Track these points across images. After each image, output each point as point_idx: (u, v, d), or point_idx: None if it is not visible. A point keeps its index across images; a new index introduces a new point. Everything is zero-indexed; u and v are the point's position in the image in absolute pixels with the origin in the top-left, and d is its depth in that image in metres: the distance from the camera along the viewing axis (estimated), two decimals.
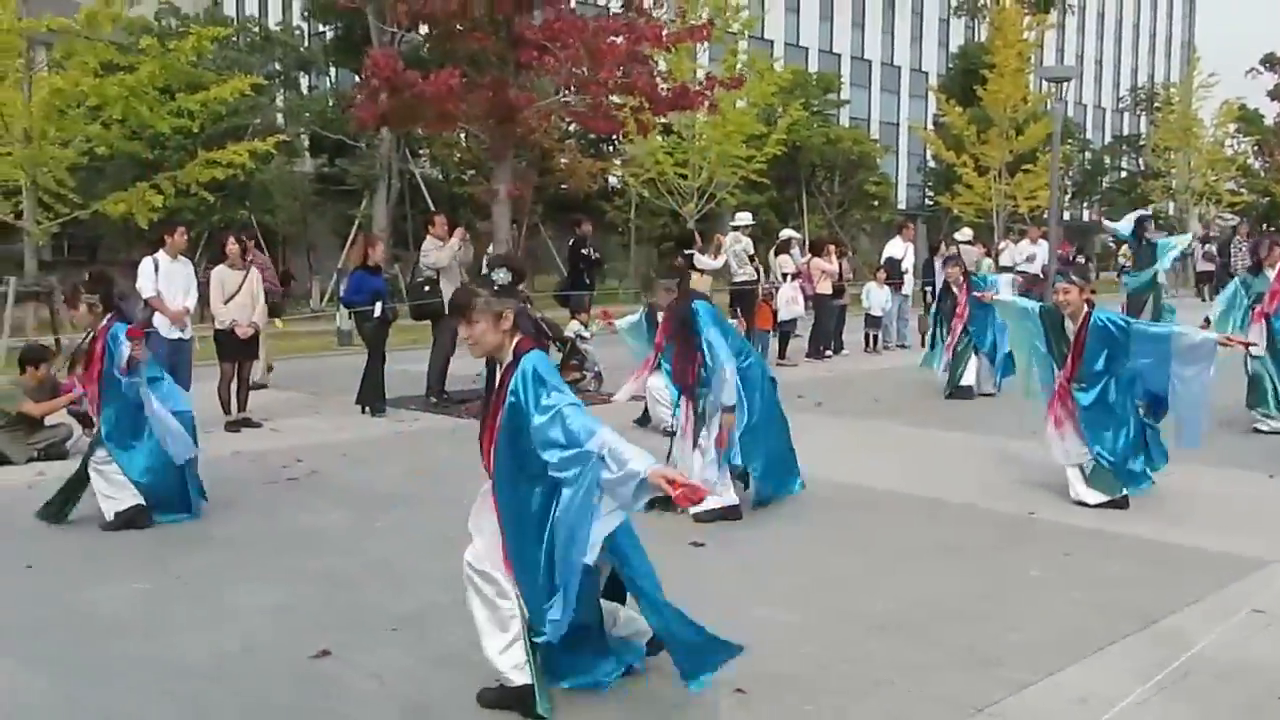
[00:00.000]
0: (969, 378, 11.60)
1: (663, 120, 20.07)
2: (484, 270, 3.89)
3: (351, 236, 29.72)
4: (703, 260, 13.89)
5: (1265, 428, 9.28)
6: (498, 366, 3.85)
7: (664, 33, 11.81)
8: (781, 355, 15.26)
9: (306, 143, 35.23)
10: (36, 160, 15.80)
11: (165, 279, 9.69)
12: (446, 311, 11.32)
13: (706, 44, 12.37)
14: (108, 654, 4.42)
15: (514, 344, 3.78)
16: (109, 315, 6.59)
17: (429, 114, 10.99)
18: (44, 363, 8.82)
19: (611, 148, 37.26)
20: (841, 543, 5.95)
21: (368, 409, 10.74)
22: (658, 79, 12.22)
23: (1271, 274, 9.27)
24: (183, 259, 10.01)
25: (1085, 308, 6.65)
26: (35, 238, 16.59)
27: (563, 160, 33.68)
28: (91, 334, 6.62)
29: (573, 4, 11.68)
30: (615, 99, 12.95)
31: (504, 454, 3.76)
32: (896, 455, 8.34)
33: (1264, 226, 43.45)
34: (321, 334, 20.32)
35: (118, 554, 5.90)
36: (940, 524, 6.33)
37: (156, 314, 9.62)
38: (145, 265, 9.78)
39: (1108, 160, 53.19)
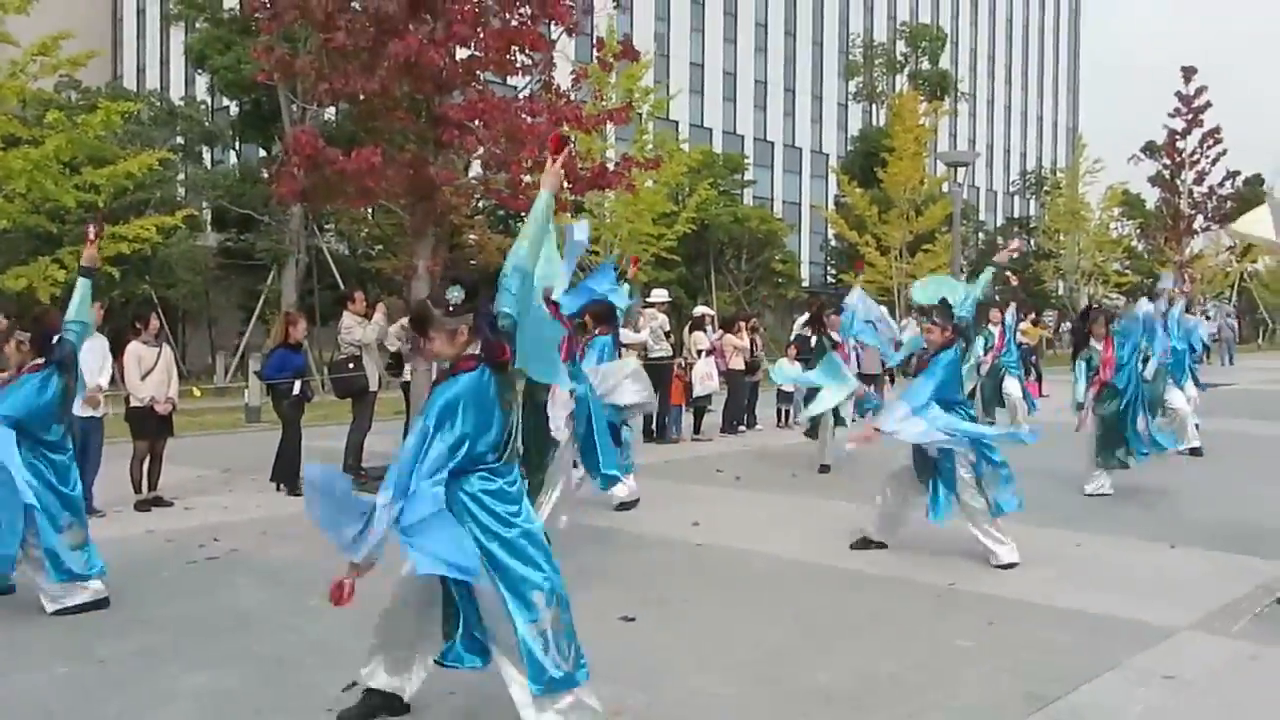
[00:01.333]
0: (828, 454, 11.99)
1: (578, 199, 20.36)
2: (438, 288, 4.12)
3: (258, 312, 29.39)
4: (626, 334, 14.05)
5: (1090, 488, 9.96)
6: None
7: (582, 114, 12.06)
8: (696, 430, 15.44)
9: (209, 217, 34.85)
10: None
11: (82, 356, 9.48)
12: (370, 388, 11.33)
13: (616, 125, 12.63)
14: None
15: (460, 360, 4.02)
16: (38, 359, 6.46)
17: (349, 190, 11.03)
18: None
19: (520, 224, 37.57)
20: (775, 616, 6.07)
21: (283, 486, 10.61)
22: (575, 159, 12.45)
23: (1099, 344, 10.02)
24: (98, 335, 9.82)
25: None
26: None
27: (471, 236, 33.86)
28: (10, 374, 6.47)
29: (488, 87, 11.88)
30: (533, 178, 13.13)
31: None
32: (816, 528, 8.51)
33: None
34: (228, 410, 19.95)
35: (31, 637, 5.74)
36: (868, 595, 6.49)
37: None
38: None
39: (1000, 240, 55.27)
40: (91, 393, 9.44)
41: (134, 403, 9.92)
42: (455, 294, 3.96)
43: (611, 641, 5.46)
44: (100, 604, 6.27)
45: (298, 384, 10.64)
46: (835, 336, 12.03)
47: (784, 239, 40.79)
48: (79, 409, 9.29)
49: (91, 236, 6.78)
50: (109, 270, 18.20)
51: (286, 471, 10.64)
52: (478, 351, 4.03)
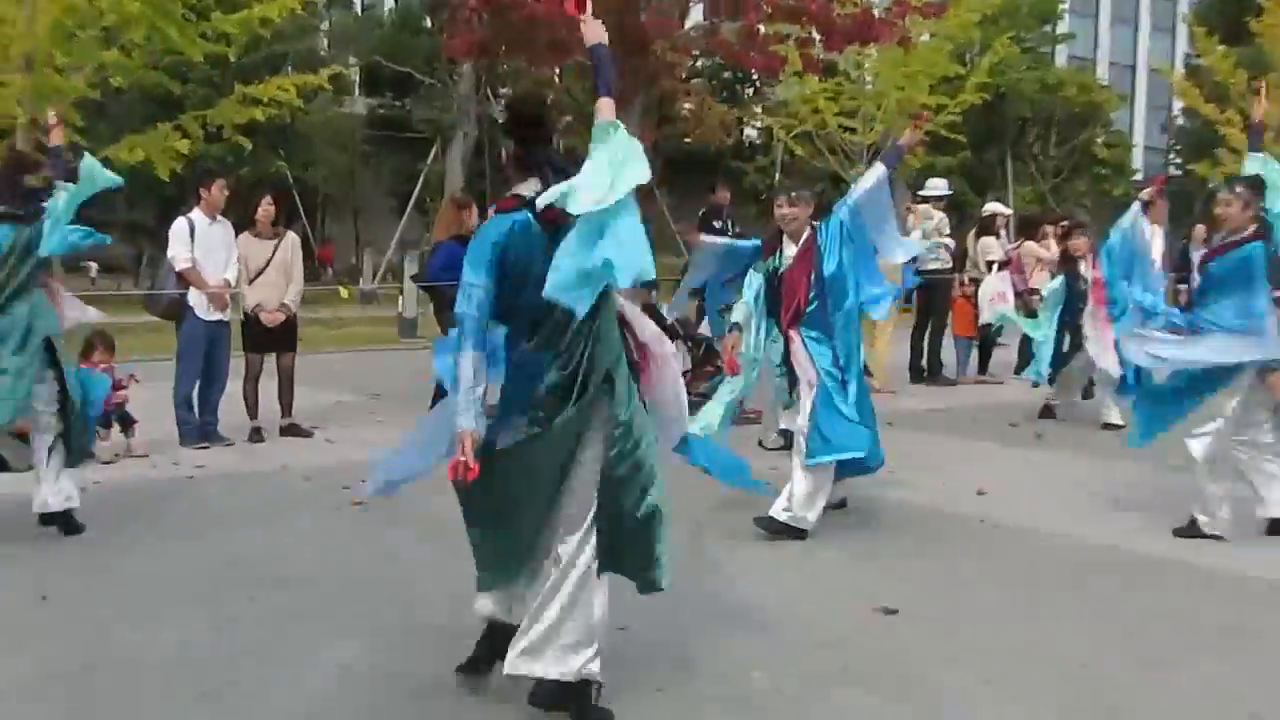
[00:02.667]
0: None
1: (830, 57, 20.05)
2: None
3: (415, 198, 30.29)
4: None
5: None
6: None
7: None
8: (983, 370, 15.12)
9: (358, 77, 35.99)
10: (39, 92, 16.45)
11: (203, 245, 10.02)
12: None
13: None
14: (166, 713, 4.61)
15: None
16: None
17: (539, 42, 11.18)
18: None
19: (752, 90, 37.41)
20: (1092, 624, 5.89)
21: None
22: (833, 3, 12.24)
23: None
24: (222, 220, 10.34)
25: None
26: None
27: (687, 105, 33.94)
28: None
29: None
30: (774, 28, 12.99)
31: None
32: (1147, 504, 8.21)
33: None
34: (378, 322, 20.81)
35: (153, 587, 6.14)
36: (1221, 598, 6.23)
37: (192, 290, 9.96)
38: (178, 227, 10.10)
39: None
40: (217, 289, 9.97)
41: (244, 308, 10.43)
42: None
43: (867, 640, 5.43)
44: None
45: None
46: (1087, 273, 11.45)
47: (1111, 114, 39.16)
48: (203, 310, 9.89)
49: (54, 120, 7.23)
50: (238, 141, 19.12)
51: None
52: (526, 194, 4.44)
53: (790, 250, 7.57)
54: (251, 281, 10.38)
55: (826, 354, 7.33)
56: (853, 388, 7.34)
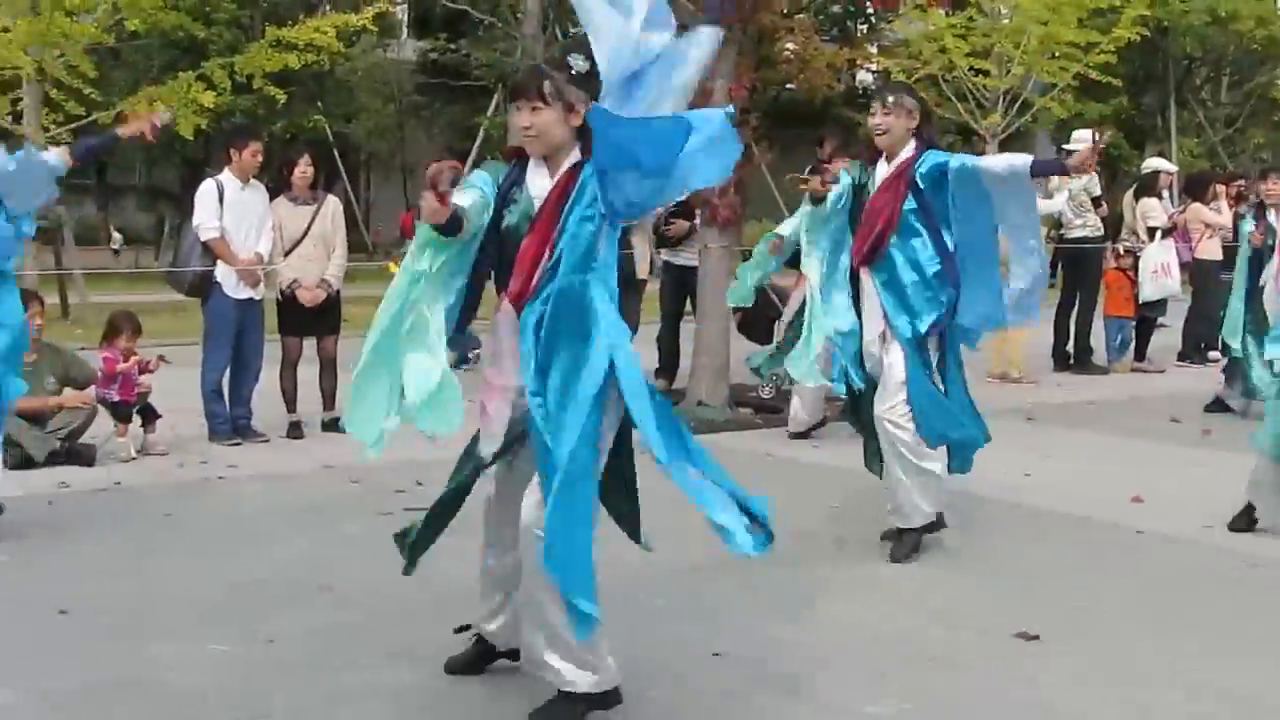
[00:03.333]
0: None
1: None
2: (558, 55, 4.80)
3: (473, 156, 30.43)
4: None
5: None
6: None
7: None
8: (1140, 355, 15.01)
9: (407, 17, 36.22)
10: (45, 38, 16.81)
11: (233, 213, 10.14)
12: (639, 274, 11.72)
13: None
14: None
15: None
16: None
17: None
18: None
19: (866, 27, 37.20)
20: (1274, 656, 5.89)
21: None
22: None
23: None
24: (255, 184, 10.50)
25: None
26: (39, 148, 17.62)
27: (789, 45, 33.78)
28: None
29: None
30: None
31: None
32: None
33: None
34: None
35: (183, 600, 6.32)
36: None
37: (220, 264, 10.13)
38: (205, 191, 10.22)
39: None
40: (248, 264, 10.13)
41: (279, 285, 10.55)
42: (579, 61, 4.62)
43: (1003, 670, 5.47)
44: None
45: None
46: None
47: None
48: (233, 288, 10.06)
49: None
50: (272, 92, 19.39)
51: None
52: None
53: (882, 171, 7.11)
54: (287, 254, 10.43)
55: (901, 314, 6.97)
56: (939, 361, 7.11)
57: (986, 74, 26.33)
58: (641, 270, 12.05)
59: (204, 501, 8.29)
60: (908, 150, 7.01)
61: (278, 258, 10.43)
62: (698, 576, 6.53)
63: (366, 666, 5.48)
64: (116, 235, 32.91)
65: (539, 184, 4.74)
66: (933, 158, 6.92)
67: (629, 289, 11.69)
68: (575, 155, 4.71)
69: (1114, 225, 15.42)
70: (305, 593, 6.49)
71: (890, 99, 7.04)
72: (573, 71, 4.64)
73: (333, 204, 10.78)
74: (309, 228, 10.48)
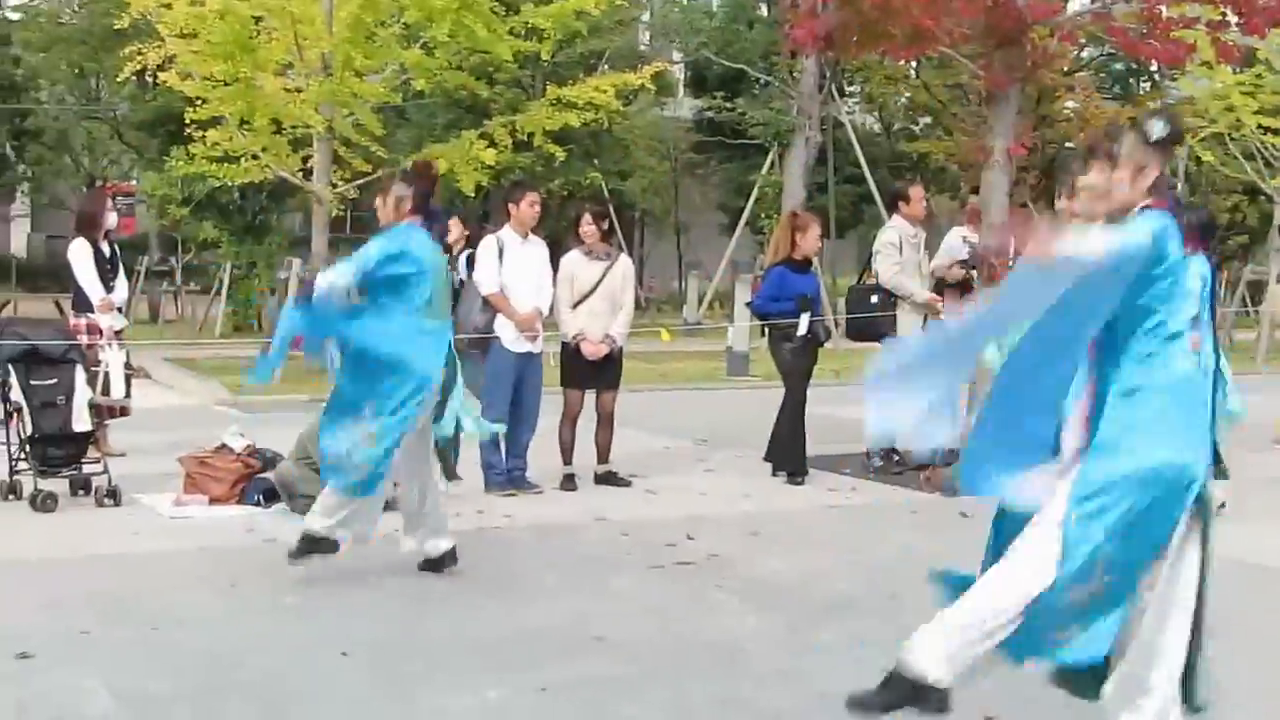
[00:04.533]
0: None
1: (1255, 41, 19.29)
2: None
3: (747, 215, 30.50)
4: None
5: None
6: None
7: None
8: None
9: (683, 76, 36.67)
10: (336, 98, 17.47)
11: (513, 267, 10.35)
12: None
13: None
14: None
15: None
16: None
17: (895, 32, 11.20)
18: None
19: (1149, 84, 36.37)
20: None
21: (783, 472, 11.07)
22: None
23: None
24: (535, 239, 10.71)
25: None
26: (330, 205, 18.35)
27: (1069, 103, 33.25)
28: None
29: None
30: (1180, 12, 12.62)
31: None
32: None
33: None
34: (705, 355, 21.14)
35: (458, 647, 6.44)
36: None
37: (499, 317, 10.36)
38: (485, 247, 10.46)
39: None
40: (527, 318, 10.33)
41: (561, 336, 10.68)
42: (1158, 126, 4.64)
43: None
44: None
45: (805, 319, 10.98)
46: None
47: None
48: (513, 342, 10.26)
49: None
50: (551, 150, 19.80)
51: (787, 452, 11.09)
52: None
53: None
54: (575, 306, 10.55)
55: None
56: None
57: (1276, 132, 25.49)
58: None
59: (480, 551, 8.43)
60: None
61: (563, 310, 10.56)
62: None
63: (636, 719, 5.50)
64: None
65: None
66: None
67: None
68: None
69: None
70: (577, 643, 6.55)
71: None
72: (1150, 138, 4.67)
73: (625, 262, 10.91)
74: (599, 282, 10.60)
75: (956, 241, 11.95)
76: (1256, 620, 5.65)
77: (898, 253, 11.36)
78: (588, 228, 10.72)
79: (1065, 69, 30.57)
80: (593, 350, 10.52)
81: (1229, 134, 25.83)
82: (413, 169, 8.07)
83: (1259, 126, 25.53)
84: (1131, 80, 39.12)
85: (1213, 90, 25.81)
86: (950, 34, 11.41)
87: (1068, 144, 32.51)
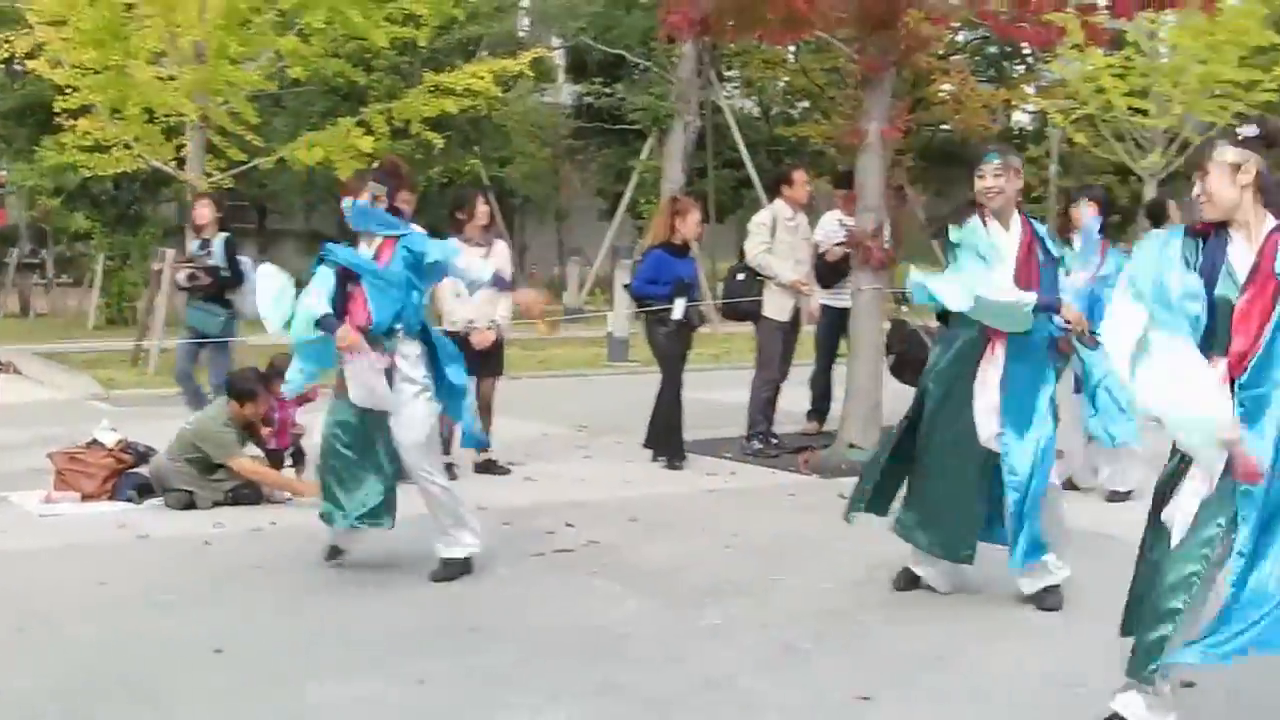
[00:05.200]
0: None
1: (1118, 26, 19.59)
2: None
3: (627, 200, 30.51)
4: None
5: None
6: None
7: None
8: None
9: (563, 62, 36.56)
10: (210, 86, 17.22)
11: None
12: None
13: None
14: None
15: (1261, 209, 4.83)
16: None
17: (770, 17, 11.22)
18: (253, 401, 9.55)
19: (1023, 67, 36.88)
20: None
21: (662, 457, 11.09)
22: None
23: None
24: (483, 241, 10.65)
25: None
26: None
27: (945, 87, 33.62)
28: None
29: None
30: None
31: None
32: None
33: None
34: (585, 342, 21.11)
35: (335, 640, 6.38)
36: None
37: None
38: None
39: None
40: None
41: (445, 326, 10.46)
42: (1248, 129, 4.87)
43: None
44: None
45: (680, 304, 10.98)
46: None
47: None
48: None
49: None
50: (429, 137, 19.67)
51: (666, 437, 11.11)
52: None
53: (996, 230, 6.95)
54: (460, 295, 10.38)
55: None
56: None
57: (1145, 114, 25.94)
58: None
59: (357, 543, 8.35)
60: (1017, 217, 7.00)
61: (446, 298, 10.44)
62: None
63: (516, 707, 5.47)
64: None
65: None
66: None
67: (793, 332, 11.70)
68: (1269, 221, 4.86)
69: None
70: (456, 634, 6.51)
71: (1001, 161, 6.92)
72: (1239, 137, 4.86)
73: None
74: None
75: (833, 225, 12.07)
76: (1103, 588, 5.72)
77: (768, 234, 11.48)
78: (481, 209, 10.62)
79: (940, 53, 30.89)
80: (483, 339, 10.45)
81: (1100, 115, 26.24)
82: (383, 167, 7.91)
83: (1129, 108, 25.96)
84: (1005, 63, 39.60)
85: (1084, 72, 26.19)
86: (825, 18, 11.43)
87: (943, 126, 32.92)
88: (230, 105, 18.07)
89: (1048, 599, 6.89)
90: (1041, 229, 7.08)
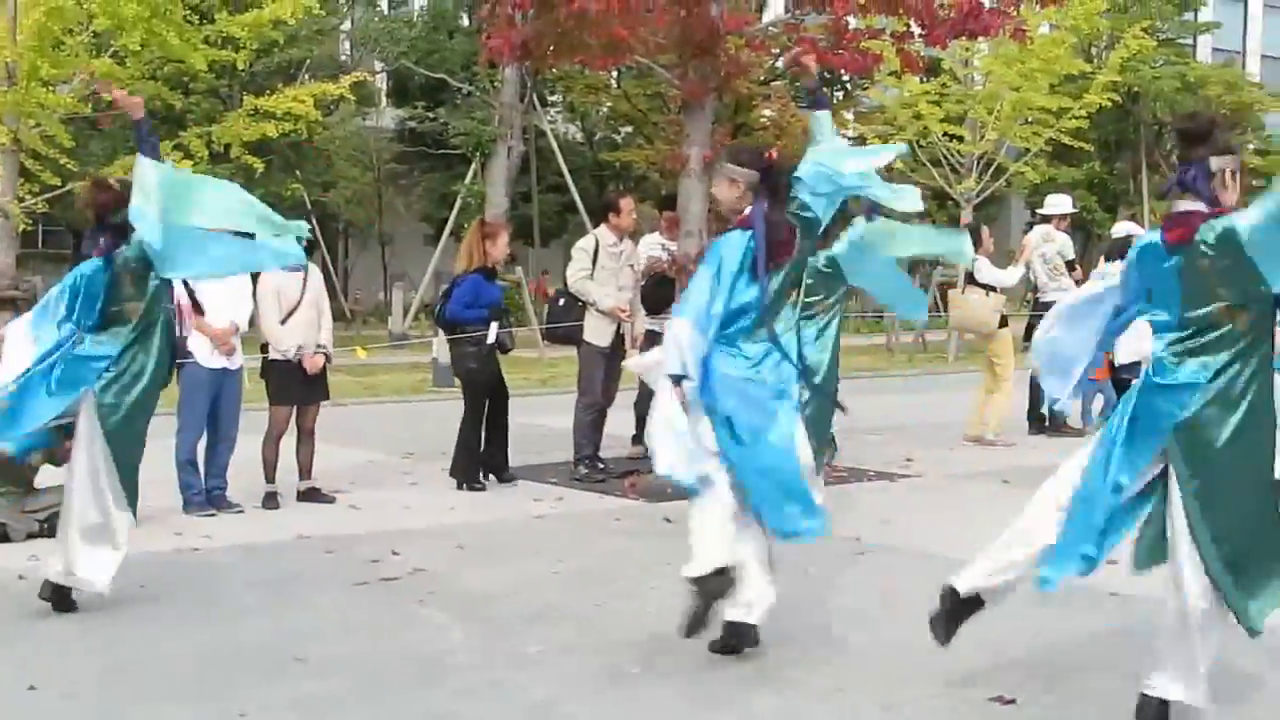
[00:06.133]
0: None
1: (934, 53, 20.06)
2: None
3: (451, 225, 30.40)
4: (988, 271, 13.82)
5: None
6: None
7: None
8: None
9: (385, 86, 36.38)
10: (21, 109, 16.80)
11: (212, 280, 10.06)
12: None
13: None
14: None
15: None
16: None
17: (591, 42, 11.27)
18: None
19: (842, 93, 37.47)
20: None
21: (466, 483, 11.12)
22: None
23: None
24: None
25: None
26: (16, 220, 17.63)
27: (766, 111, 34.06)
28: None
29: None
30: (865, 22, 13.03)
31: None
32: None
33: None
34: (409, 368, 20.96)
35: (155, 674, 6.22)
36: None
37: (194, 333, 10.04)
38: None
39: None
40: (222, 333, 10.06)
41: (272, 354, 10.42)
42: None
43: None
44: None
45: (494, 328, 11.04)
46: None
47: (1263, 116, 38.82)
48: (207, 359, 10.00)
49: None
50: (250, 162, 19.39)
51: (461, 460, 11.16)
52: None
53: None
54: (284, 321, 10.31)
55: None
56: None
57: (961, 139, 26.59)
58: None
59: (176, 574, 8.18)
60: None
61: (269, 325, 10.30)
62: None
63: None
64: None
65: None
66: None
67: (615, 357, 11.71)
68: None
69: None
70: (278, 664, 6.39)
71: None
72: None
73: (315, 270, 10.72)
74: (303, 294, 10.39)
75: (655, 249, 12.16)
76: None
77: (589, 260, 11.56)
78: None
79: (761, 78, 31.29)
80: (314, 364, 10.34)
81: (918, 141, 26.80)
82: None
83: (945, 134, 26.59)
84: (825, 90, 40.26)
85: (901, 99, 26.82)
86: (646, 44, 11.52)
87: (767, 150, 33.31)
88: (43, 128, 17.66)
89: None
90: None
